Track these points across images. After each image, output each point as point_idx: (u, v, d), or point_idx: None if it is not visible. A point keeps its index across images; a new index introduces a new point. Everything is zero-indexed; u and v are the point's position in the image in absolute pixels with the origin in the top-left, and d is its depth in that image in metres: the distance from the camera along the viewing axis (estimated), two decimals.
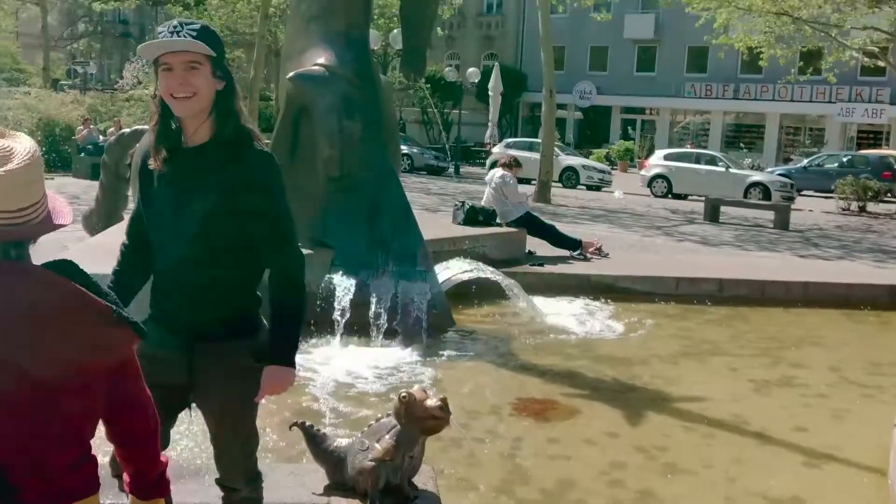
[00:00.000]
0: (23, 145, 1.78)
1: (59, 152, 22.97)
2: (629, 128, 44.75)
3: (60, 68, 50.76)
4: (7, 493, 1.70)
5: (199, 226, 2.56)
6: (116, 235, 7.71)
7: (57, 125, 23.74)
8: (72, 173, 21.82)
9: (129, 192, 9.22)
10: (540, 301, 8.28)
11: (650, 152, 32.99)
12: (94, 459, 1.83)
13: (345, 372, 6.03)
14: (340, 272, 7.12)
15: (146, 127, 8.34)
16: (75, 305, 1.73)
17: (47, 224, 1.80)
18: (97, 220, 9.39)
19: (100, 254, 6.87)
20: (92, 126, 22.57)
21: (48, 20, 39.52)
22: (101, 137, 22.09)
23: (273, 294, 2.64)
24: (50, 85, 33.59)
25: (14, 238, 1.75)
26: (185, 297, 2.63)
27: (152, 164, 2.61)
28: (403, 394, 3.38)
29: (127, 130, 10.06)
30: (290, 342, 2.64)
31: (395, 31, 24.83)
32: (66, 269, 1.79)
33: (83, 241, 8.73)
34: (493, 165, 13.36)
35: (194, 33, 2.47)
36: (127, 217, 3.10)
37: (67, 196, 15.46)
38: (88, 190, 17.46)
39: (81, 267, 1.81)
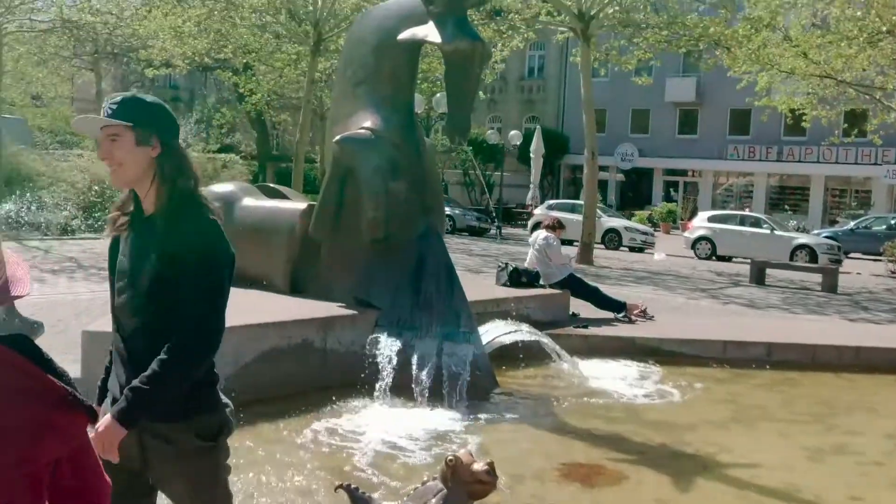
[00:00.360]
0: None
1: (109, 214, 23.50)
2: (672, 189, 44.64)
3: None
4: None
5: (146, 295, 2.58)
6: None
7: (109, 187, 24.29)
8: None
9: None
10: (584, 363, 8.20)
11: (693, 214, 32.81)
12: None
13: (388, 433, 5.99)
14: (384, 333, 7.13)
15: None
16: (27, 384, 1.63)
17: (1, 295, 1.69)
18: None
19: None
20: None
21: (102, 86, 40.78)
22: None
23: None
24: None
25: None
26: (135, 371, 2.56)
27: (107, 231, 2.70)
28: (450, 457, 3.35)
29: None
30: (131, 401, 2.48)
31: (439, 94, 25.21)
32: (21, 344, 1.69)
33: None
34: (536, 227, 13.39)
35: (112, 108, 2.57)
36: None
37: None
38: None
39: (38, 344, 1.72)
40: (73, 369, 6.26)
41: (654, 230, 31.90)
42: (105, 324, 6.46)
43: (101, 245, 19.71)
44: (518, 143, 34.99)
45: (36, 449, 1.62)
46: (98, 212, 23.44)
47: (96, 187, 23.98)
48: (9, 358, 1.63)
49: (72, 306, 10.72)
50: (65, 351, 7.89)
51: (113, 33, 25.66)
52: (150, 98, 2.74)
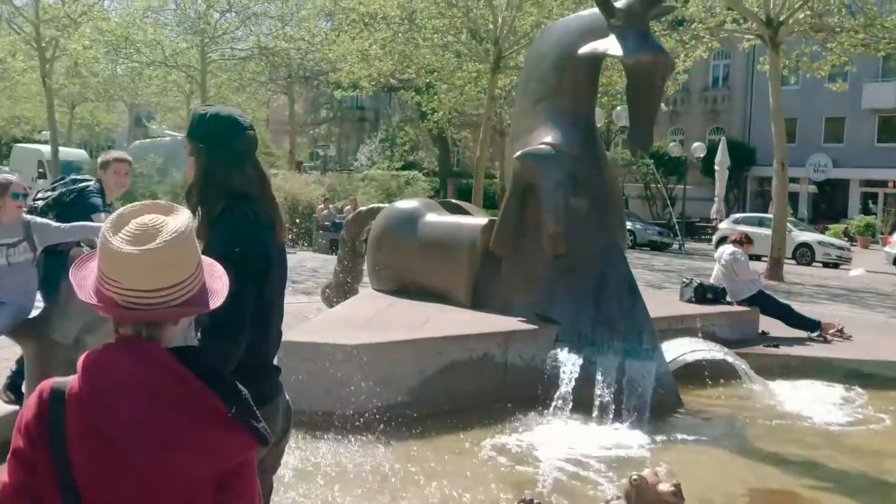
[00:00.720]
0: (173, 225, 1.69)
1: (301, 228, 24.72)
2: (870, 201, 41.84)
3: (304, 151, 54.93)
4: None
5: None
6: (353, 308, 8.15)
7: (300, 203, 25.57)
8: (312, 248, 23.36)
9: (364, 267, 9.72)
10: (775, 384, 7.83)
11: (895, 227, 30.62)
12: None
13: (568, 450, 5.94)
14: (565, 348, 7.10)
15: (382, 205, 8.76)
16: (187, 397, 1.63)
17: (188, 307, 1.70)
18: (334, 293, 9.95)
19: (339, 324, 7.27)
20: (331, 205, 24.10)
21: (295, 108, 42.99)
22: (338, 215, 23.55)
23: None
24: (295, 167, 36.32)
25: (146, 319, 1.67)
26: None
27: None
28: (635, 476, 3.29)
29: (363, 208, 10.65)
30: None
31: (619, 108, 24.90)
32: (192, 357, 1.69)
33: (321, 311, 9.27)
34: (721, 241, 12.91)
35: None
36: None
37: (307, 270, 16.41)
38: (326, 264, 18.57)
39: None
40: None
41: (851, 244, 30.04)
42: (293, 334, 6.81)
43: (295, 259, 20.71)
44: (702, 155, 33.94)
45: (187, 463, 1.61)
46: (290, 228, 24.70)
47: (288, 204, 25.28)
48: (175, 369, 1.64)
49: None
50: None
51: (305, 58, 27.03)
52: (210, 109, 2.91)
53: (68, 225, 5.65)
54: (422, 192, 28.63)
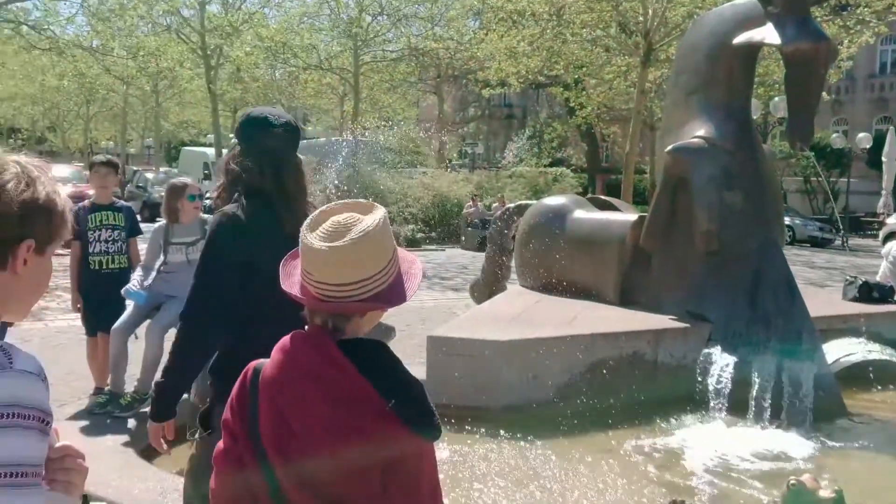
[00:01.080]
0: (363, 224, 1.78)
1: (449, 226, 25.05)
2: None
3: (453, 149, 55.55)
4: None
5: None
6: (501, 304, 8.21)
7: (448, 201, 25.91)
8: (460, 245, 23.63)
9: (512, 263, 9.77)
10: None
11: None
12: None
13: (722, 451, 5.78)
14: (718, 347, 6.90)
15: (530, 202, 8.78)
16: (350, 391, 1.73)
17: (376, 302, 1.80)
18: (482, 290, 10.05)
19: (487, 320, 7.34)
20: (479, 203, 24.31)
21: (444, 107, 43.57)
22: (486, 212, 23.73)
23: None
24: (443, 165, 36.83)
25: (334, 310, 1.79)
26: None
27: None
28: (793, 480, 3.18)
29: (511, 205, 10.70)
30: (153, 397, 2.96)
31: (777, 98, 23.89)
32: (358, 352, 1.78)
33: (470, 308, 9.38)
34: (889, 238, 12.20)
35: None
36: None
37: (455, 266, 16.63)
38: (474, 261, 18.76)
39: (392, 353, 1.83)
40: (419, 371, 6.76)
41: None
42: (442, 330, 6.92)
43: (444, 256, 21.03)
44: (867, 146, 32.11)
45: (347, 449, 1.72)
46: (439, 226, 25.07)
47: (437, 202, 25.68)
48: (341, 362, 1.75)
49: (417, 313, 11.54)
50: (412, 354, 8.54)
51: (454, 57, 27.37)
52: (251, 110, 3.08)
53: None
54: (570, 189, 28.44)
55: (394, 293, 1.82)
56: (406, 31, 26.08)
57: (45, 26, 21.41)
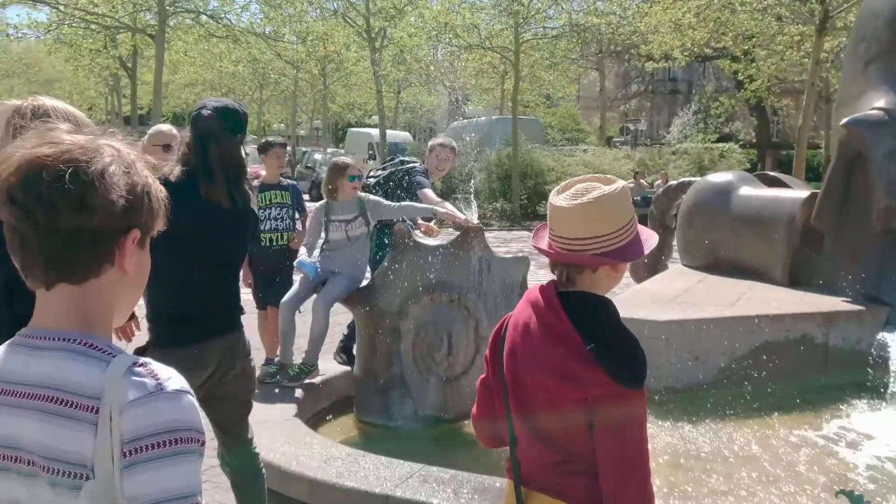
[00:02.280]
0: (602, 190, 2.06)
1: None
2: None
3: (614, 126, 54.64)
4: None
5: None
6: (661, 283, 8.05)
7: None
8: None
9: (674, 242, 9.54)
10: None
11: None
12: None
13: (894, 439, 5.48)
14: None
15: (693, 179, 8.56)
16: (561, 334, 2.00)
17: (606, 258, 2.05)
18: (642, 269, 9.87)
19: (646, 299, 7.22)
20: (641, 180, 23.84)
21: (605, 83, 42.86)
22: (648, 190, 23.24)
23: None
24: (604, 142, 36.33)
25: (566, 262, 2.08)
26: None
27: None
28: None
29: (674, 182, 10.43)
30: None
31: None
32: (572, 301, 2.05)
33: (629, 287, 9.24)
34: None
35: None
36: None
37: None
38: None
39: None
40: None
41: None
42: None
43: None
44: None
45: (557, 385, 2.00)
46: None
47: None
48: (556, 309, 2.03)
49: None
50: None
51: (616, 32, 26.83)
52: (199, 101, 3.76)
53: (397, 204, 6.17)
54: (737, 165, 27.38)
55: (623, 253, 2.06)
56: (567, 6, 25.76)
57: (222, 15, 22.56)
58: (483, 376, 2.32)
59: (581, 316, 2.01)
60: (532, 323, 2.07)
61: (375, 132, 34.63)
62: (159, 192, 1.40)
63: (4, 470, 1.27)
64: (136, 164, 1.35)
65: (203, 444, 1.29)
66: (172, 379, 1.28)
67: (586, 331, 1.98)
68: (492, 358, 2.24)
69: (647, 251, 2.12)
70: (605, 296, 2.12)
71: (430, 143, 7.31)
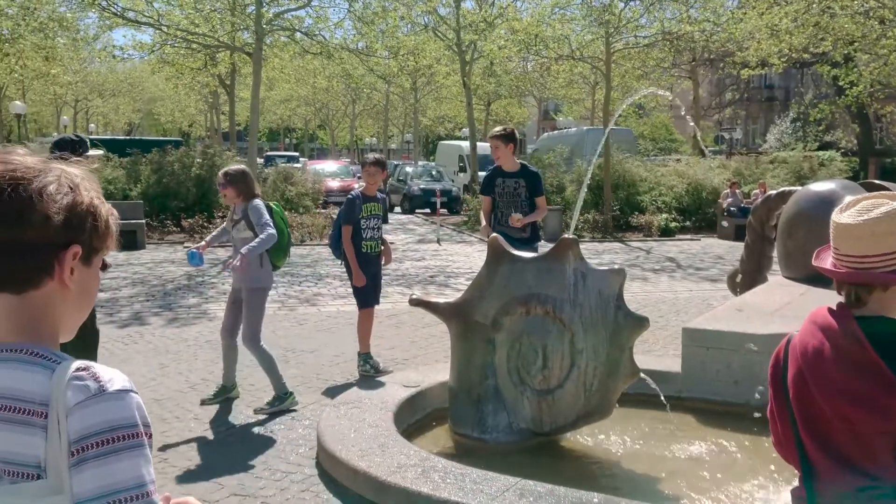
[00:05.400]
0: (888, 206, 2.00)
1: (705, 214, 24.19)
2: None
3: (709, 136, 53.56)
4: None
5: None
6: (762, 296, 7.85)
7: (704, 189, 25.02)
8: (716, 234, 22.77)
9: (774, 254, 9.28)
10: None
11: None
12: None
13: None
14: None
15: (793, 188, 8.37)
16: (864, 363, 1.91)
17: (894, 277, 1.98)
18: (741, 281, 9.64)
19: (746, 313, 7.04)
20: (737, 190, 23.29)
21: (699, 92, 42.07)
22: (745, 200, 22.67)
23: None
24: (699, 152, 35.64)
25: (854, 281, 2.02)
26: None
27: None
28: None
29: (773, 192, 10.15)
30: None
31: None
32: (873, 326, 1.96)
33: (728, 299, 9.03)
34: None
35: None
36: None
37: (711, 256, 16.04)
38: (731, 251, 18.01)
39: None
40: (673, 364, 6.63)
41: None
42: (704, 321, 6.71)
43: (698, 246, 20.37)
44: None
45: (862, 417, 1.93)
46: (694, 214, 24.28)
47: (692, 190, 24.87)
48: (854, 335, 1.96)
49: (671, 304, 11.31)
50: (665, 346, 8.39)
51: (710, 39, 26.30)
52: None
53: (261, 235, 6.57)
54: (838, 174, 26.48)
55: None
56: (660, 15, 25.36)
57: (317, 32, 23.01)
58: (769, 407, 2.26)
59: (885, 343, 1.93)
60: (825, 349, 2.00)
61: (466, 144, 34.77)
62: (109, 214, 1.45)
63: None
64: (82, 185, 1.41)
65: (150, 436, 1.35)
66: (114, 380, 1.33)
67: (892, 362, 1.90)
68: (773, 384, 2.19)
69: None
70: None
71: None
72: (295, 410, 6.45)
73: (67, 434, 1.29)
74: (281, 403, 6.45)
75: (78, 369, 1.33)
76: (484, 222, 7.75)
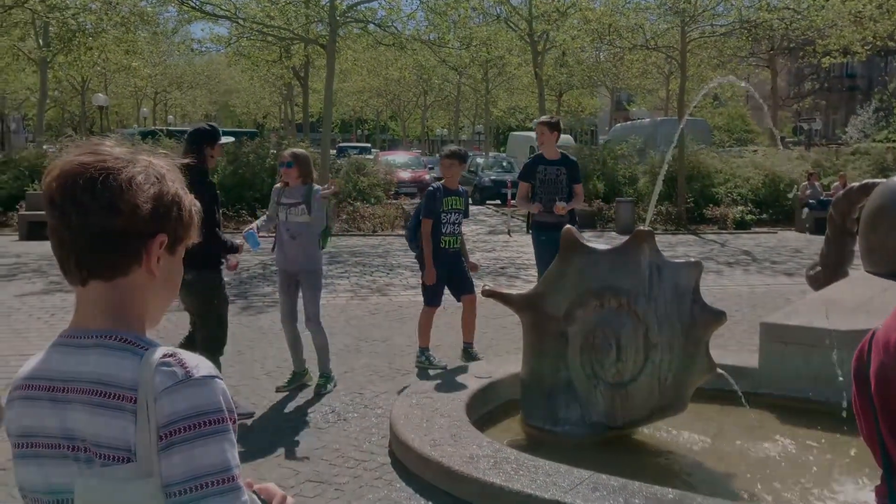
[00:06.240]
0: None
1: (782, 207, 23.62)
2: None
3: (786, 126, 52.26)
4: None
5: None
6: (842, 291, 7.65)
7: (781, 181, 24.44)
8: (794, 227, 22.23)
9: (855, 248, 9.02)
10: None
11: None
12: None
13: None
14: None
15: (876, 181, 8.13)
16: None
17: None
18: (821, 275, 9.39)
19: (826, 308, 6.86)
20: (816, 182, 22.70)
21: (777, 82, 41.06)
22: (824, 192, 22.08)
23: None
24: (777, 142, 34.81)
25: None
26: None
27: None
28: None
29: (855, 185, 9.85)
30: None
31: None
32: None
33: (806, 294, 8.82)
34: None
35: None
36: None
37: (788, 250, 15.65)
38: (809, 245, 17.57)
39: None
40: (750, 359, 6.50)
41: None
42: (782, 316, 6.57)
43: (775, 239, 19.91)
44: None
45: None
46: (771, 207, 23.73)
47: (769, 182, 24.30)
48: None
49: (747, 298, 11.09)
50: (741, 341, 8.23)
51: (789, 27, 25.62)
52: None
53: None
54: None
55: None
56: (737, 2, 24.81)
57: (389, 23, 23.12)
58: (853, 403, 2.20)
59: None
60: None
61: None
62: (192, 204, 1.50)
63: (63, 458, 1.39)
64: (168, 175, 1.46)
65: (234, 422, 1.39)
66: (200, 366, 1.37)
67: None
68: (856, 380, 2.13)
69: None
70: None
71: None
72: (309, 385, 6.88)
73: (156, 418, 1.33)
74: (301, 380, 6.93)
75: (165, 355, 1.37)
76: (529, 205, 8.24)
